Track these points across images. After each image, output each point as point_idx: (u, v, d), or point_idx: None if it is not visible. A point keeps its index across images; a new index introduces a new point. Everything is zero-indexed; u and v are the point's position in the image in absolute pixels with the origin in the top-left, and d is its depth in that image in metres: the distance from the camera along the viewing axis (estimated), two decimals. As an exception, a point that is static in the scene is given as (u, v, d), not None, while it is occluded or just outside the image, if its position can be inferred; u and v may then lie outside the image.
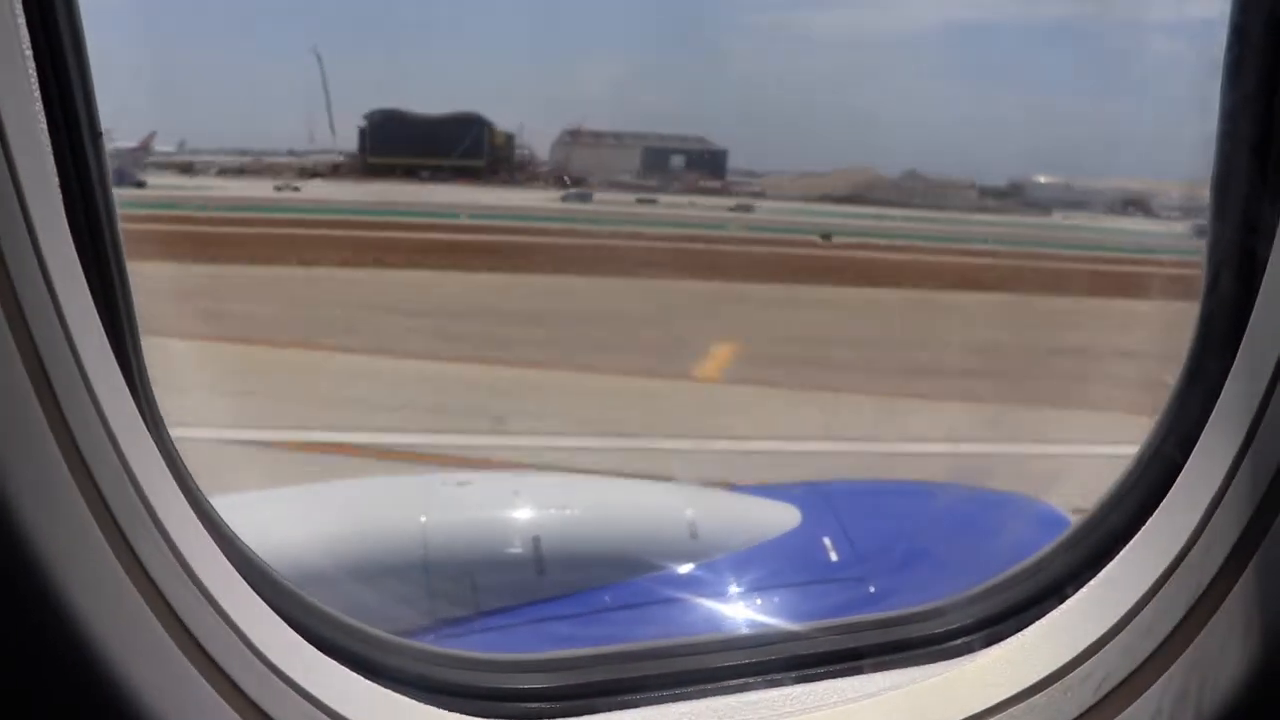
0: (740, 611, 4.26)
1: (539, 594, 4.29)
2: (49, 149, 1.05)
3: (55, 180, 1.05)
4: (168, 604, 0.95)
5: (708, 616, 4.22)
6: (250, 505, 4.44)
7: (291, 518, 4.38)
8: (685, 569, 4.44)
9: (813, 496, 4.95)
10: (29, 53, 1.01)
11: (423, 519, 4.40)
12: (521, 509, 4.72)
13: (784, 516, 4.74)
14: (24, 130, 0.87)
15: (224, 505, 1.31)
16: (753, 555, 4.51)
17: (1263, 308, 1.15)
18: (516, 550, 4.44)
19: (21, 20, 0.99)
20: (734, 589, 4.33)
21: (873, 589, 4.29)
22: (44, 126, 1.04)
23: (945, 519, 4.83)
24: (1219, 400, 1.21)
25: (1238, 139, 1.28)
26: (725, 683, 1.49)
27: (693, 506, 4.80)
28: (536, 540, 4.44)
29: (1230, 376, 1.19)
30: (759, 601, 4.28)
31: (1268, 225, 1.20)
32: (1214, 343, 1.31)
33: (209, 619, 1.04)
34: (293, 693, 1.13)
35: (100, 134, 1.15)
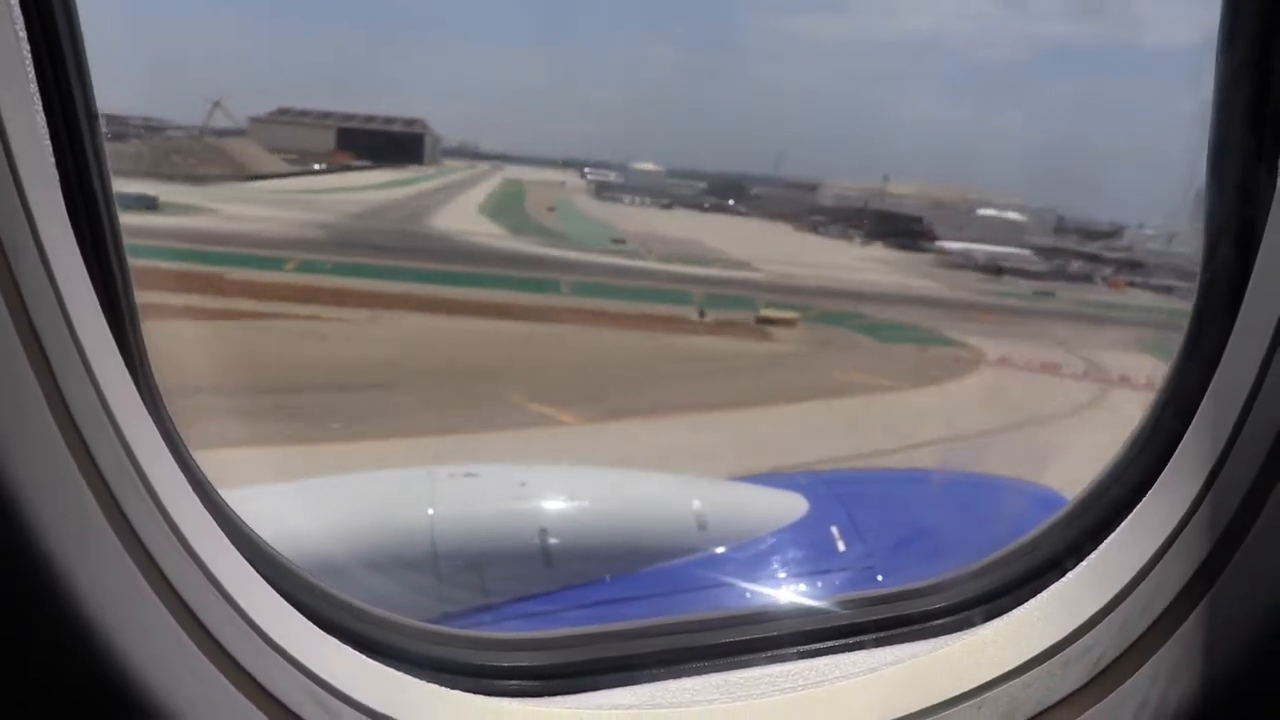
0: (749, 600, 4.26)
1: (547, 586, 4.28)
2: (46, 133, 1.05)
3: (52, 164, 1.05)
4: (164, 577, 0.96)
5: (717, 606, 4.22)
6: (261, 498, 4.46)
7: (301, 512, 4.39)
8: (694, 560, 4.44)
9: (817, 486, 4.94)
10: (24, 38, 1.01)
11: (430, 511, 4.40)
12: (528, 501, 4.71)
13: (791, 506, 4.73)
14: (20, 114, 0.88)
15: (234, 499, 1.32)
16: (761, 545, 4.50)
17: (1260, 275, 1.14)
18: (524, 543, 4.42)
19: (16, 5, 0.99)
20: (744, 579, 4.32)
21: (881, 577, 4.29)
22: (40, 110, 1.05)
23: (949, 504, 4.82)
24: (1217, 369, 1.19)
25: (1233, 108, 1.26)
26: (727, 659, 1.48)
27: (700, 498, 4.79)
28: (544, 533, 4.43)
29: (1229, 345, 1.18)
30: (769, 591, 4.27)
31: (1264, 194, 1.19)
32: (1212, 312, 1.29)
33: (206, 592, 1.04)
34: (288, 665, 1.13)
35: (96, 117, 1.15)
